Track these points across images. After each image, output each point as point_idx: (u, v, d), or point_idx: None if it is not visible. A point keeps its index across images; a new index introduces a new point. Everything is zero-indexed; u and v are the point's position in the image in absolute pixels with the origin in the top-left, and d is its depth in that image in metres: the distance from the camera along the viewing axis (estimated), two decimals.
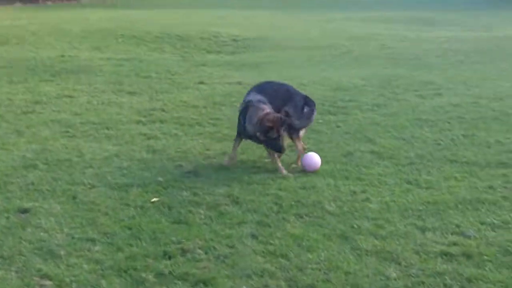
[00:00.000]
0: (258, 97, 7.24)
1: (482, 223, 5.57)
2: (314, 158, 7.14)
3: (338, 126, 9.05)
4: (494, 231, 5.40)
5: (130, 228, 5.55)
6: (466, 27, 23.20)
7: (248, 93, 7.49)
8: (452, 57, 15.93)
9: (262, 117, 6.91)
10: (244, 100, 7.37)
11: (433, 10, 30.76)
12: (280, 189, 6.51)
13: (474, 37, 20.02)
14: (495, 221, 5.59)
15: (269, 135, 6.88)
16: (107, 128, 8.89)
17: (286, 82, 8.09)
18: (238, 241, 5.30)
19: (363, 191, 6.46)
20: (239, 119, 7.27)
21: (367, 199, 6.22)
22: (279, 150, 7.01)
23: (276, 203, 6.12)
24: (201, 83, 12.29)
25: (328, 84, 12.05)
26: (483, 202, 6.04)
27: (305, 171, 7.07)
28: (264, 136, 6.92)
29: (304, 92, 7.72)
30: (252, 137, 7.16)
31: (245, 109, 7.19)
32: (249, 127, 7.07)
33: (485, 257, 4.92)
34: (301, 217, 5.81)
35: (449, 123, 9.19)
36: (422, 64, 14.82)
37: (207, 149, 7.96)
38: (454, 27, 23.43)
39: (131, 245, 5.22)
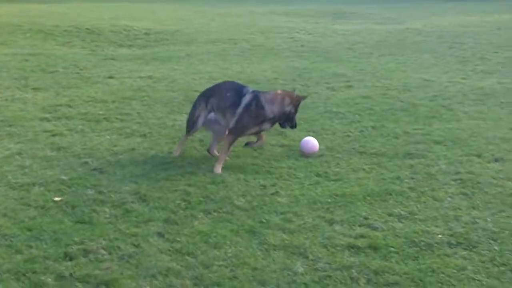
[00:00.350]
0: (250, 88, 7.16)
1: (389, 215, 5.59)
2: (311, 142, 7.40)
3: None
4: (401, 222, 5.43)
5: (30, 229, 5.29)
6: (377, 20, 23.64)
7: (240, 88, 7.17)
8: (362, 49, 16.16)
9: (289, 95, 7.16)
10: (246, 92, 7.06)
11: (345, 3, 31.18)
12: (189, 185, 6.36)
13: (385, 29, 20.41)
14: (402, 212, 5.62)
15: (292, 111, 7.13)
16: (10, 126, 8.52)
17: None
18: (143, 240, 5.13)
19: (273, 185, 6.39)
20: (251, 109, 6.96)
21: (277, 193, 6.16)
22: (296, 125, 7.28)
23: (184, 200, 5.98)
24: (111, 77, 11.99)
25: (240, 77, 11.95)
26: (390, 194, 6.07)
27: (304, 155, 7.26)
28: (295, 111, 7.14)
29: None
30: (273, 119, 7.09)
31: (256, 97, 7.01)
32: (275, 109, 7.01)
33: (392, 248, 4.93)
34: (210, 213, 5.68)
35: (359, 115, 9.27)
36: (333, 57, 14.96)
37: (115, 145, 7.73)
38: (365, 20, 23.83)
39: (30, 247, 4.98)
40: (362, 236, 5.16)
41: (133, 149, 7.57)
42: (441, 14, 26.25)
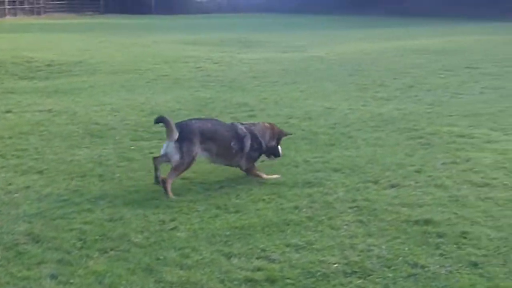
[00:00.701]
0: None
1: (287, 245, 5.60)
2: None
3: (151, 153, 8.85)
4: (298, 253, 5.45)
5: None
6: (282, 48, 24.04)
7: (232, 126, 7.73)
8: (267, 78, 16.37)
9: (273, 128, 7.94)
10: (240, 131, 7.64)
11: (250, 32, 31.60)
12: (85, 223, 6.20)
13: (289, 58, 20.78)
14: (299, 243, 5.65)
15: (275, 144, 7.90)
16: None
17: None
18: (35, 283, 4.95)
19: (172, 220, 6.31)
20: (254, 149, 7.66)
21: (176, 228, 6.08)
22: (279, 154, 8.01)
23: (79, 239, 5.81)
24: (8, 112, 11.65)
25: (143, 108, 11.87)
26: (288, 224, 6.10)
27: None
28: (277, 144, 7.92)
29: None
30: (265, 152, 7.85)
31: (255, 137, 7.69)
32: (265, 142, 7.77)
33: (288, 280, 4.94)
34: (106, 252, 5.54)
35: None
36: (238, 86, 15.07)
37: (9, 184, 7.46)
38: (270, 48, 24.20)
39: None
40: (259, 269, 5.15)
41: (28, 187, 7.33)
42: (344, 41, 26.99)
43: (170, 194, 6.98)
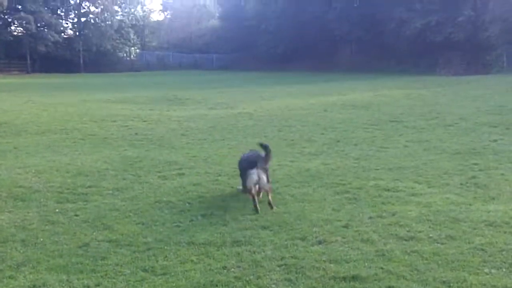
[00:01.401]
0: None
1: None
2: None
3: (76, 215, 8.68)
4: None
5: None
6: (211, 105, 24.20)
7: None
8: (196, 135, 16.39)
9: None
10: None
11: (179, 89, 31.74)
12: None
13: (218, 114, 20.90)
14: None
15: None
16: None
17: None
18: None
19: (97, 285, 6.15)
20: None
21: None
22: None
23: None
24: None
25: (68, 169, 11.65)
26: (216, 285, 6.04)
27: None
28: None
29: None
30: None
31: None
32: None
33: None
34: None
35: (189, 203, 9.26)
36: (167, 144, 15.02)
37: None
38: (199, 105, 24.33)
39: None
40: None
41: None
42: (270, 98, 27.42)
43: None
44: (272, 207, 8.80)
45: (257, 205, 8.72)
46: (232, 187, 10.21)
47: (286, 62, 62.69)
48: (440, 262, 6.55)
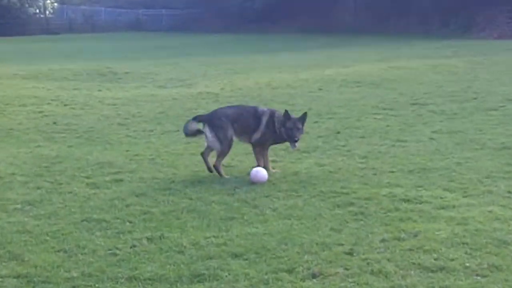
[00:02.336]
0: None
1: None
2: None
3: None
4: None
5: None
6: (159, 82, 24.18)
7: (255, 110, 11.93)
8: (139, 125, 16.37)
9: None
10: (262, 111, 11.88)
11: (116, 60, 31.63)
12: None
13: (169, 95, 20.91)
14: None
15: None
16: None
17: None
18: None
19: None
20: (269, 128, 11.68)
21: None
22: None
23: None
24: None
25: None
26: None
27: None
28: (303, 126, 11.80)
29: None
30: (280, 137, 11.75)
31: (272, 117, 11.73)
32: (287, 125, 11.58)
33: None
34: None
35: (130, 222, 9.22)
36: (98, 137, 14.99)
37: None
38: (143, 82, 24.29)
39: None
40: None
41: None
42: (245, 71, 27.44)
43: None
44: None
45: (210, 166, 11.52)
46: (191, 199, 10.19)
47: (266, 21, 62.68)
48: None
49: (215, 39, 52.20)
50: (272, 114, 11.72)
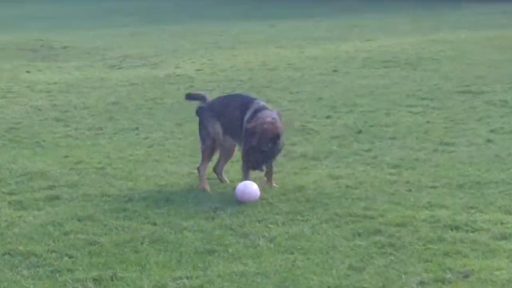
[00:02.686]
0: None
1: None
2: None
3: None
4: None
5: None
6: (111, 60, 24.19)
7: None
8: (82, 120, 16.34)
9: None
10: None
11: (50, 28, 31.59)
12: None
13: (126, 78, 20.89)
14: None
15: None
16: None
17: None
18: None
19: None
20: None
21: None
22: None
23: None
24: None
25: None
26: None
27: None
28: None
29: None
30: None
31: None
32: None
33: None
34: None
35: (70, 256, 9.18)
36: (25, 138, 15.03)
37: None
38: (88, 59, 24.26)
39: None
40: None
41: None
42: (231, 44, 27.46)
43: None
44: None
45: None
46: (154, 224, 10.16)
47: None
48: None
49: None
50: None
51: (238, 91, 18.50)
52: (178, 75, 21.44)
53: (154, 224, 10.17)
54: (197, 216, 10.45)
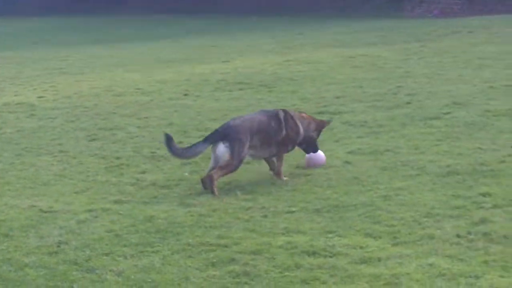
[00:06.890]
0: None
1: None
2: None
3: None
4: None
5: None
6: None
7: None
8: None
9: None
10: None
11: None
12: None
13: None
14: None
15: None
16: None
17: None
18: None
19: None
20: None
21: None
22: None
23: None
24: None
25: None
26: None
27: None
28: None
29: None
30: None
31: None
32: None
33: None
34: None
35: None
36: None
37: None
38: None
39: None
40: None
41: None
42: (76, 69, 27.40)
43: None
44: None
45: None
46: None
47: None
48: None
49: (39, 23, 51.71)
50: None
51: (84, 118, 18.56)
52: (17, 103, 21.23)
53: None
54: (39, 252, 10.38)
